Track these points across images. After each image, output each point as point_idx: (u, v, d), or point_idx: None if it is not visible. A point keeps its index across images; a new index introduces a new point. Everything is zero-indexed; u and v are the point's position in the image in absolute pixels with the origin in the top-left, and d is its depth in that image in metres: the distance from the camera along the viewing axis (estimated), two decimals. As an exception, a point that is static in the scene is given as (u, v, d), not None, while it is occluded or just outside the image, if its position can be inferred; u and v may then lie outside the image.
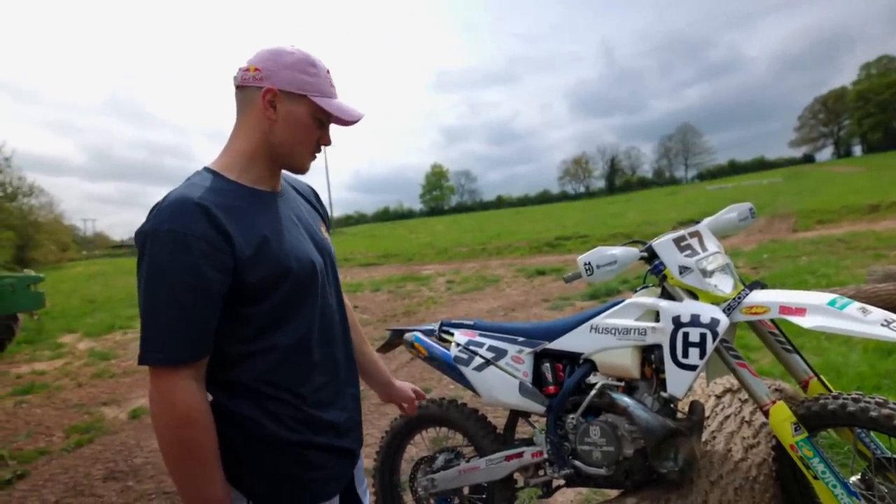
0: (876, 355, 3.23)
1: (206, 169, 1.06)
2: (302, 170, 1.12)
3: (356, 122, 1.10)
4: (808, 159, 70.58)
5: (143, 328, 0.93)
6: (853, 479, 1.49)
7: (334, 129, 1.15)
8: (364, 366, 1.42)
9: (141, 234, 0.95)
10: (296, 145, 1.07)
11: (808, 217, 14.65)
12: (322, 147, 1.13)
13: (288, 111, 1.04)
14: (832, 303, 1.38)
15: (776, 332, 1.64)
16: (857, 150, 68.66)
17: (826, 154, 72.85)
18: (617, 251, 1.65)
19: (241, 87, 1.06)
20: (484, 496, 1.96)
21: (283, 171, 1.15)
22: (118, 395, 5.08)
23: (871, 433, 1.49)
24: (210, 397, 1.00)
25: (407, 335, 2.08)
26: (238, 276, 0.96)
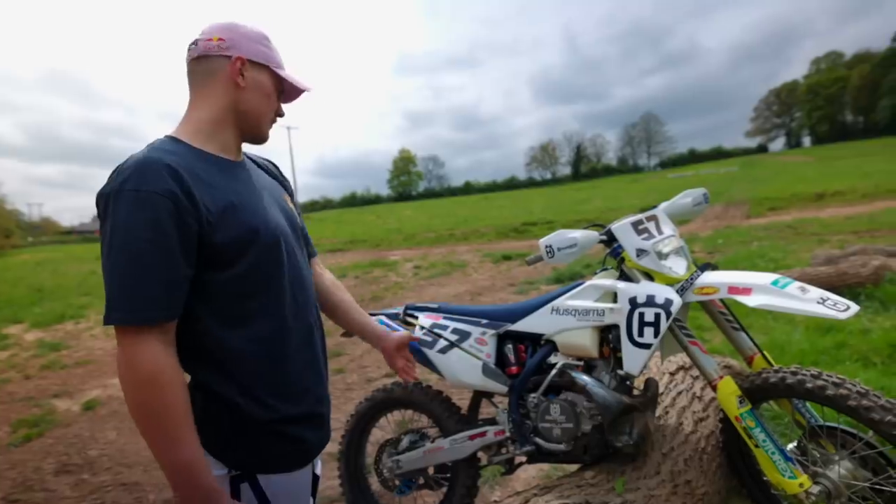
0: (816, 333, 3.44)
1: (169, 137, 1.04)
2: (264, 138, 1.14)
3: (305, 93, 1.16)
4: (762, 149, 73.81)
5: (106, 289, 0.91)
6: (790, 446, 1.60)
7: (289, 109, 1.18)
8: (363, 329, 1.45)
9: (103, 195, 0.93)
10: (262, 114, 1.10)
11: (761, 204, 15.37)
12: (277, 118, 1.15)
13: (255, 79, 1.07)
14: (775, 283, 1.46)
15: (725, 311, 1.72)
16: (807, 140, 72.20)
17: (779, 144, 76.46)
18: (577, 234, 1.69)
19: (203, 57, 1.05)
20: (448, 475, 2.00)
21: (248, 154, 1.16)
22: (70, 387, 4.86)
23: (807, 403, 1.60)
24: (188, 377, 0.99)
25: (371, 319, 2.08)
26: (204, 238, 0.95)
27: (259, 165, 1.24)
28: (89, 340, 6.92)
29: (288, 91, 1.15)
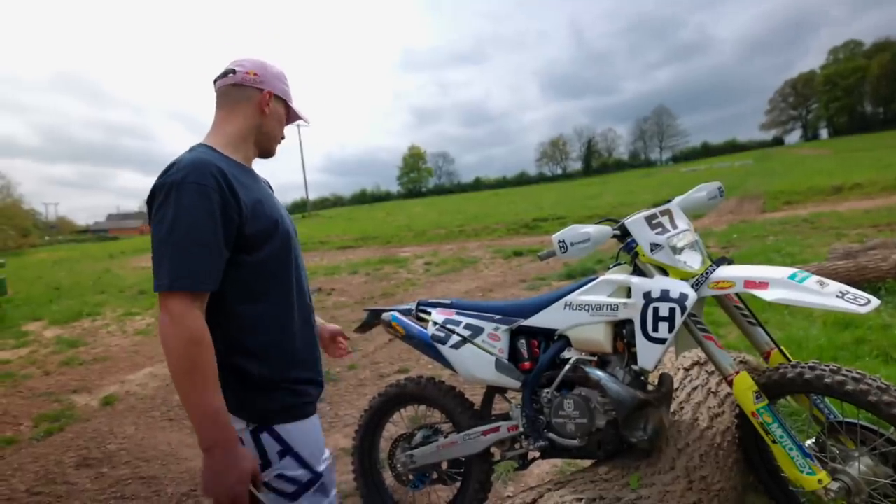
0: (834, 329, 3.38)
1: (204, 145, 1.26)
2: (273, 154, 1.42)
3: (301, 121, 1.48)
4: (778, 142, 72.45)
5: (165, 262, 1.09)
6: (808, 442, 1.57)
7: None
8: None
9: (165, 184, 1.13)
10: (276, 136, 1.40)
11: (776, 198, 15.11)
12: (282, 139, 1.44)
13: (275, 109, 1.37)
14: (793, 276, 1.44)
15: (741, 306, 1.70)
16: (824, 133, 70.75)
17: (795, 137, 74.96)
18: (590, 229, 1.67)
19: (239, 85, 1.32)
20: (461, 470, 2.00)
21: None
22: (88, 383, 4.96)
23: (826, 399, 1.57)
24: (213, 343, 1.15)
25: (384, 315, 2.09)
26: (240, 228, 1.17)
27: (261, 178, 1.48)
28: (106, 337, 7.05)
29: (291, 118, 1.45)
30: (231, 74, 1.32)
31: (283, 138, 1.44)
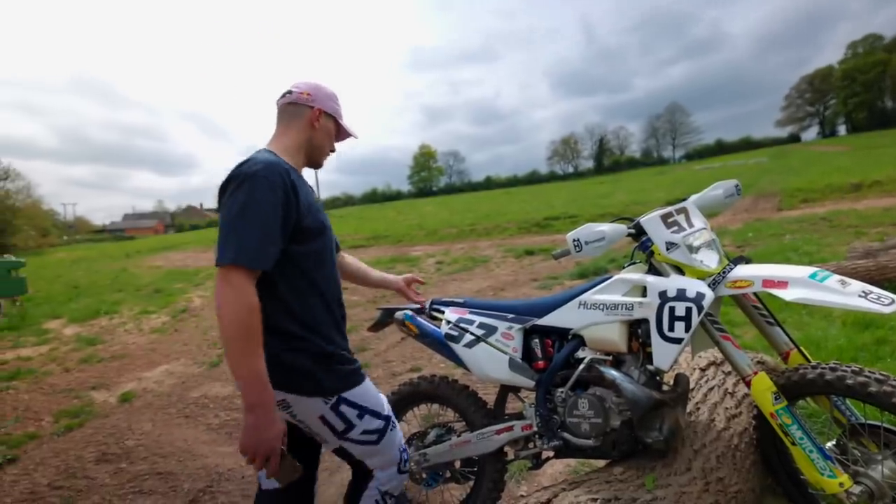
0: (854, 329, 3.31)
1: (268, 150, 1.47)
2: (321, 165, 1.61)
3: (351, 137, 1.65)
4: (794, 139, 71.04)
5: (231, 238, 1.26)
6: (829, 444, 1.54)
7: None
8: (380, 281, 2.02)
9: (241, 174, 1.31)
10: (325, 148, 1.59)
11: (793, 196, 14.82)
12: (331, 153, 1.63)
13: (325, 125, 1.56)
14: (813, 276, 1.41)
15: (759, 305, 1.68)
16: (843, 129, 69.26)
17: (811, 134, 73.42)
18: (605, 227, 1.66)
19: (294, 104, 1.54)
20: (475, 469, 2.00)
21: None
22: (107, 380, 5.06)
23: (847, 401, 1.54)
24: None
25: (398, 314, 2.09)
26: (297, 221, 1.37)
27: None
28: (123, 335, 7.17)
29: (342, 134, 1.64)
30: (288, 94, 1.55)
31: (332, 151, 1.62)
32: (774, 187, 16.70)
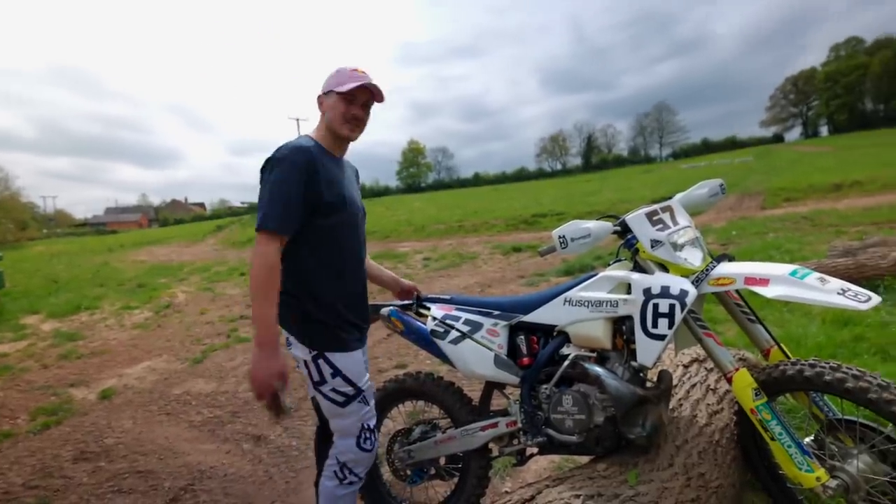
0: (833, 326, 3.38)
1: (308, 136, 1.72)
2: (345, 137, 1.72)
3: (362, 86, 1.66)
4: (778, 139, 72.11)
5: (261, 209, 1.55)
6: (807, 439, 1.57)
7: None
8: (381, 278, 2.15)
9: (273, 158, 1.59)
10: (335, 123, 1.69)
11: (776, 195, 15.07)
12: (355, 118, 1.70)
13: (327, 103, 1.71)
14: (793, 273, 1.43)
15: (741, 303, 1.69)
16: (825, 130, 70.52)
17: (795, 134, 74.60)
18: (591, 225, 1.66)
19: (319, 101, 1.76)
20: (459, 466, 2.00)
21: (345, 159, 1.83)
22: (86, 376, 4.95)
23: (825, 396, 1.57)
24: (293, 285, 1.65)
25: (383, 310, 2.08)
26: (318, 195, 1.60)
27: (349, 166, 1.88)
28: (104, 331, 7.04)
29: (357, 96, 1.68)
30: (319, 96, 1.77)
31: (354, 119, 1.69)
32: (759, 186, 16.96)
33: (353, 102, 1.68)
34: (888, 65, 57.29)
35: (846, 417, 1.50)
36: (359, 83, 1.65)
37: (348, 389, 1.71)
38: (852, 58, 65.48)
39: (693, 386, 1.97)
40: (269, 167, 1.58)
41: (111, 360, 5.50)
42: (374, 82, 1.68)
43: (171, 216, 74.20)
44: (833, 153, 29.92)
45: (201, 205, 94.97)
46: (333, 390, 1.69)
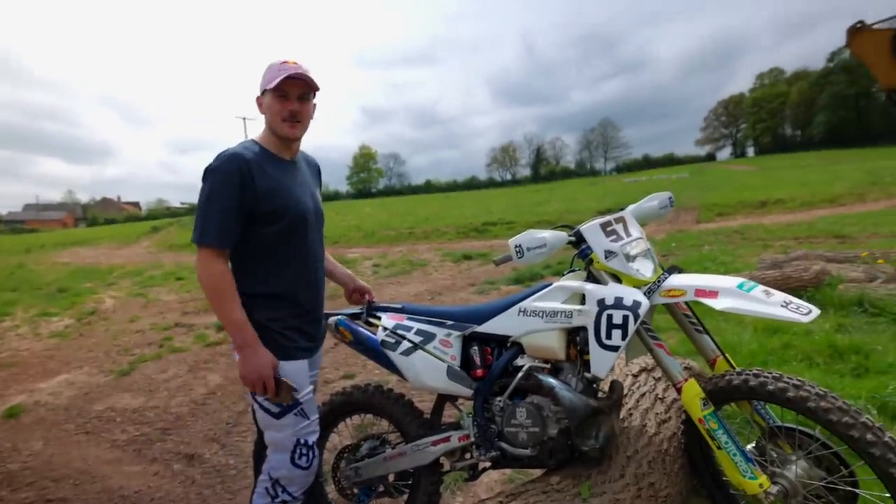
0: (764, 334, 3.58)
1: (253, 140, 1.67)
2: (285, 136, 1.64)
3: (290, 78, 1.56)
4: (711, 157, 77.34)
5: (197, 222, 1.54)
6: (749, 446, 1.61)
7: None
8: (334, 274, 2.06)
9: (207, 169, 1.56)
10: (274, 122, 1.63)
11: (710, 210, 16.08)
12: (292, 114, 1.61)
13: (264, 104, 1.65)
14: (741, 286, 1.47)
15: (689, 313, 1.73)
16: (751, 151, 76.36)
17: (726, 153, 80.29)
18: (547, 234, 1.65)
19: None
20: (409, 482, 1.92)
21: (302, 150, 1.80)
22: (-8, 392, 4.44)
23: (767, 405, 1.62)
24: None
25: (331, 319, 1.97)
26: (255, 204, 1.56)
27: (308, 163, 1.85)
28: (14, 340, 6.37)
29: (289, 90, 1.59)
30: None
31: (290, 117, 1.61)
32: (694, 201, 18.02)
33: (287, 97, 1.59)
34: (804, 95, 63.00)
35: (786, 425, 1.55)
36: (285, 75, 1.55)
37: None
38: (774, 86, 71.59)
39: (642, 395, 2.00)
40: (204, 177, 1.55)
41: (21, 374, 4.96)
42: (303, 71, 1.58)
43: (101, 215, 68.97)
44: (758, 172, 32.39)
45: (136, 204, 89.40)
46: (268, 399, 1.61)
